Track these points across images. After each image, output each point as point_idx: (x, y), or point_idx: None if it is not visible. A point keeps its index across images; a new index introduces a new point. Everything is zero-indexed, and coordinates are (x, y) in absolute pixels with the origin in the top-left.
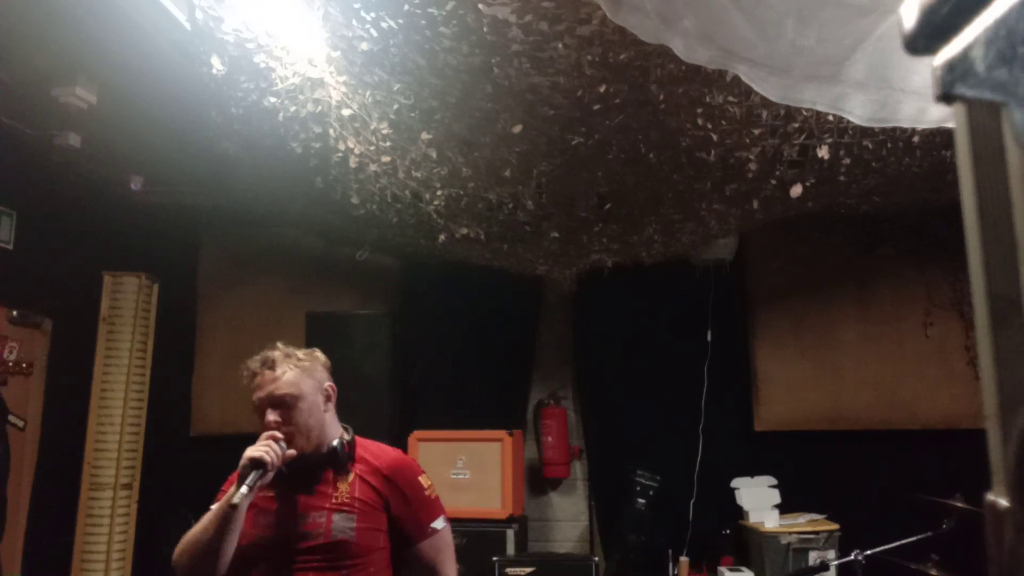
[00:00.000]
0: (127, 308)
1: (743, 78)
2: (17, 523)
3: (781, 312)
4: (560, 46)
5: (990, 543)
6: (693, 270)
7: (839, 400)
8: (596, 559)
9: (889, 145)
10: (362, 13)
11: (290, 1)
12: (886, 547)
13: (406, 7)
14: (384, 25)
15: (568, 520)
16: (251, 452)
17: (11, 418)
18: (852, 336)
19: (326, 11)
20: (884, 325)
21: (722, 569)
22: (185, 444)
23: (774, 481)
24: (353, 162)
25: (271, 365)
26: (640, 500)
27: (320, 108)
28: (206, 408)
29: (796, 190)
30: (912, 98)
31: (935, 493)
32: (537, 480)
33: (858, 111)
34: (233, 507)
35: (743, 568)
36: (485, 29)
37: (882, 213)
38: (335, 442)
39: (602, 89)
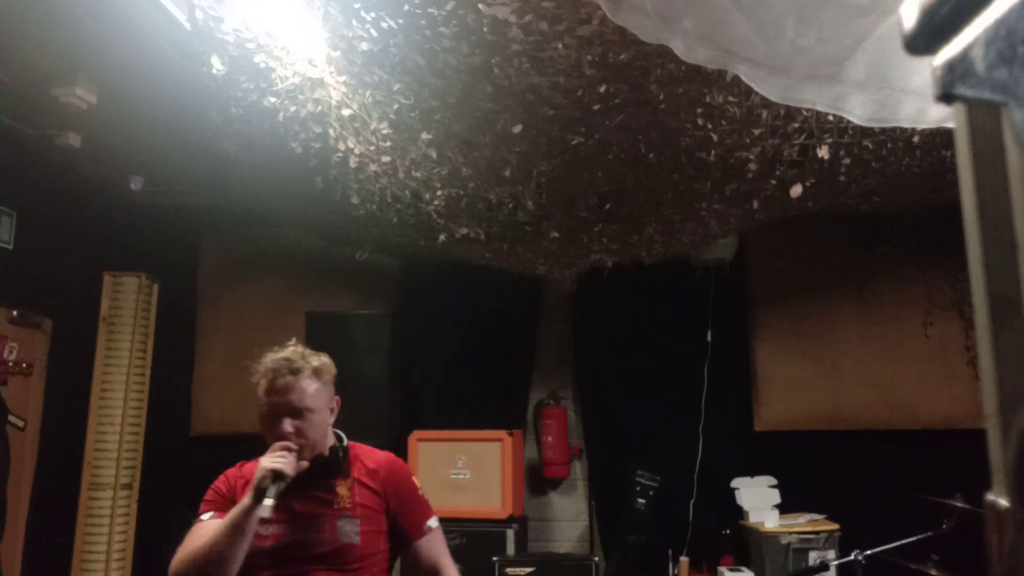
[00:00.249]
0: (127, 308)
1: (743, 78)
2: (17, 523)
3: (781, 312)
4: (560, 46)
5: (990, 543)
6: (693, 270)
7: (839, 400)
8: (596, 559)
9: (889, 145)
10: (362, 13)
11: (290, 1)
12: (886, 547)
13: (406, 7)
14: (384, 25)
15: (568, 520)
16: (271, 464)
17: (11, 418)
18: (852, 336)
19: (326, 11)
20: (884, 325)
21: (722, 569)
22: (185, 444)
23: (774, 481)
24: (353, 162)
25: (295, 371)
26: (640, 500)
27: (320, 108)
28: (206, 408)
29: (796, 190)
30: (912, 98)
31: (935, 493)
32: (537, 480)
33: (858, 111)
34: (264, 520)
35: (743, 568)
36: (485, 29)
37: (882, 213)
38: (334, 448)
39: (602, 89)
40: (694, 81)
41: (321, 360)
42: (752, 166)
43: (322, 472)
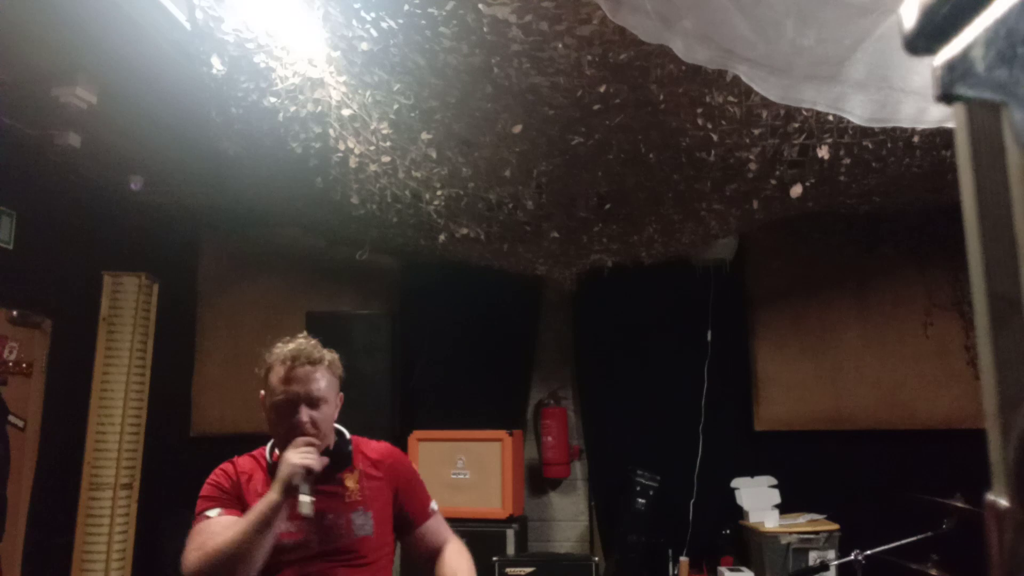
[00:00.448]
0: (127, 308)
1: (743, 78)
2: (17, 523)
3: (781, 312)
4: (560, 46)
5: (990, 543)
6: (693, 270)
7: (839, 400)
8: (596, 559)
9: (889, 145)
10: (362, 13)
11: (290, 1)
12: (886, 547)
13: (406, 7)
14: (384, 25)
15: (568, 520)
16: (302, 460)
17: (11, 418)
18: (852, 336)
19: (326, 11)
20: (884, 325)
21: (722, 569)
22: (185, 444)
23: (774, 481)
24: (353, 162)
25: (314, 361)
26: (640, 500)
27: (320, 108)
28: (206, 408)
29: (796, 190)
30: (912, 98)
31: (935, 493)
32: (537, 480)
33: (858, 111)
34: (307, 517)
35: (743, 568)
36: (485, 29)
37: (882, 213)
38: (339, 441)
39: (602, 89)
40: (694, 81)
41: (333, 354)
42: (752, 166)
43: (330, 466)
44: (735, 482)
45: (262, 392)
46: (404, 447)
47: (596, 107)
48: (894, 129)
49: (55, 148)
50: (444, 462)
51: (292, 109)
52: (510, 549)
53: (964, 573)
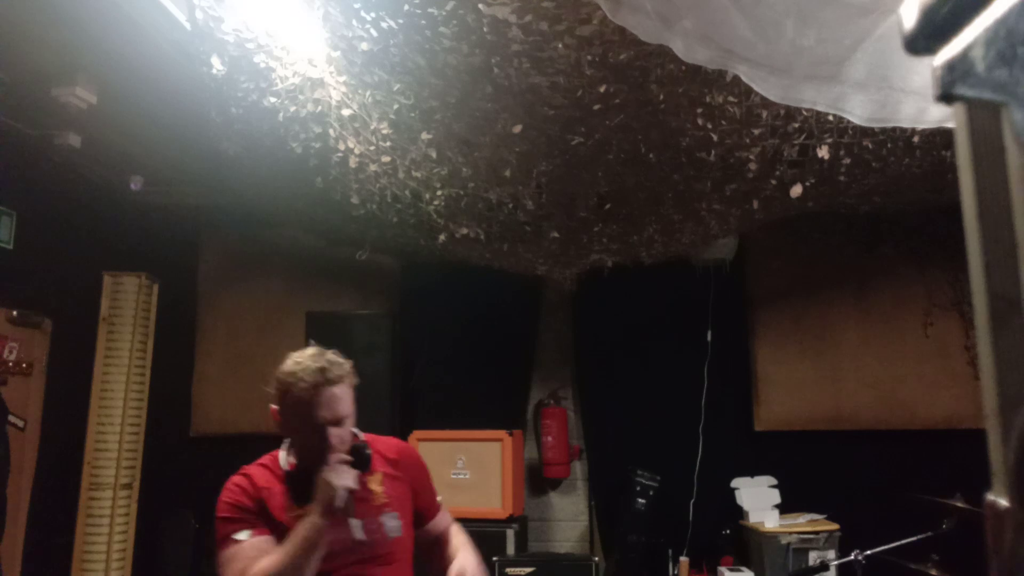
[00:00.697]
0: (127, 308)
1: (743, 78)
2: (17, 523)
3: (781, 312)
4: (560, 46)
5: (990, 543)
6: (693, 270)
7: (839, 400)
8: (596, 559)
9: (889, 145)
10: (362, 13)
11: (290, 1)
12: (886, 547)
13: (406, 7)
14: (384, 25)
15: (568, 520)
16: (345, 482)
17: (11, 418)
18: (852, 336)
19: (326, 11)
20: (884, 325)
21: (722, 569)
22: (185, 444)
23: (774, 481)
24: (353, 162)
25: (333, 381)
26: (640, 500)
27: (320, 108)
28: (206, 408)
29: (796, 190)
30: (912, 98)
31: (935, 493)
32: (537, 480)
33: (858, 111)
34: (359, 541)
35: (743, 568)
36: (485, 29)
37: (882, 213)
38: (358, 445)
39: (602, 89)
40: (694, 81)
41: (348, 363)
42: (752, 166)
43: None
44: (735, 482)
45: (274, 407)
46: None
47: (596, 107)
48: (894, 129)
49: (55, 148)
50: (444, 462)
51: (292, 109)
52: (510, 549)
53: (964, 573)
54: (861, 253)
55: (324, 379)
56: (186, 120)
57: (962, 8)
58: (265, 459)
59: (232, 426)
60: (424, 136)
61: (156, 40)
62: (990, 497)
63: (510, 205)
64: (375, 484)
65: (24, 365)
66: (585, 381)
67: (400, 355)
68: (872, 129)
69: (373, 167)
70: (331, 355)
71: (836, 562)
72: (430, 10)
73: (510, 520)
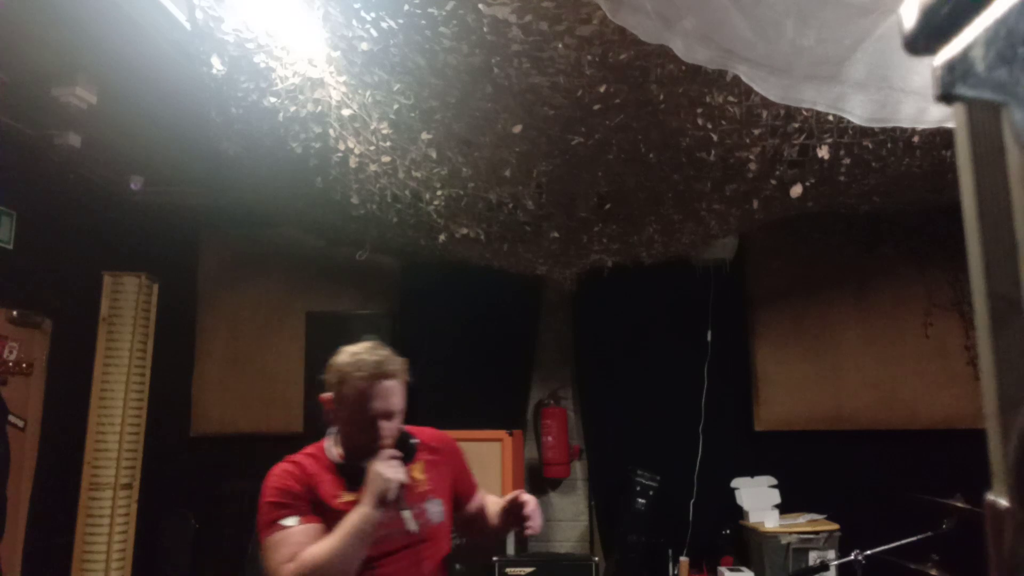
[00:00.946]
0: (127, 308)
1: (743, 78)
2: (17, 523)
3: (781, 312)
4: (560, 46)
5: (990, 543)
6: (693, 270)
7: (839, 400)
8: (596, 559)
9: (889, 145)
10: (362, 13)
11: (290, 1)
12: (886, 547)
13: (406, 7)
14: (384, 25)
15: (568, 520)
16: (397, 476)
17: (11, 418)
18: (852, 336)
19: (326, 11)
20: (884, 325)
21: (722, 569)
22: (185, 444)
23: (774, 481)
24: (353, 162)
25: (390, 375)
26: (640, 500)
27: (320, 108)
28: (206, 408)
29: (796, 190)
30: (912, 98)
31: (935, 493)
32: (537, 480)
33: (858, 111)
34: (411, 532)
35: (743, 568)
36: (485, 29)
37: (882, 213)
38: (402, 436)
39: (602, 89)
40: (694, 81)
41: (402, 360)
42: (752, 166)
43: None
44: (735, 482)
45: (328, 395)
46: None
47: (596, 107)
48: (894, 129)
49: (55, 148)
50: None
51: (292, 109)
52: (510, 549)
53: (964, 573)
54: (861, 253)
55: (380, 372)
56: (186, 120)
57: (962, 8)
58: (310, 449)
59: (232, 426)
60: (424, 136)
61: (156, 40)
62: (990, 497)
63: (510, 205)
64: (418, 472)
65: (24, 365)
66: (585, 381)
67: (400, 355)
68: (872, 129)
69: (373, 167)
70: (388, 352)
71: (836, 562)
72: (430, 10)
73: None
